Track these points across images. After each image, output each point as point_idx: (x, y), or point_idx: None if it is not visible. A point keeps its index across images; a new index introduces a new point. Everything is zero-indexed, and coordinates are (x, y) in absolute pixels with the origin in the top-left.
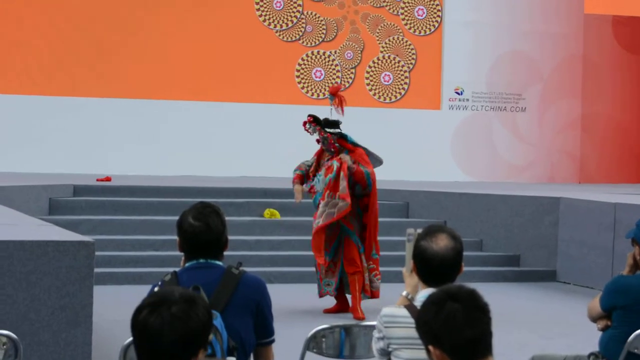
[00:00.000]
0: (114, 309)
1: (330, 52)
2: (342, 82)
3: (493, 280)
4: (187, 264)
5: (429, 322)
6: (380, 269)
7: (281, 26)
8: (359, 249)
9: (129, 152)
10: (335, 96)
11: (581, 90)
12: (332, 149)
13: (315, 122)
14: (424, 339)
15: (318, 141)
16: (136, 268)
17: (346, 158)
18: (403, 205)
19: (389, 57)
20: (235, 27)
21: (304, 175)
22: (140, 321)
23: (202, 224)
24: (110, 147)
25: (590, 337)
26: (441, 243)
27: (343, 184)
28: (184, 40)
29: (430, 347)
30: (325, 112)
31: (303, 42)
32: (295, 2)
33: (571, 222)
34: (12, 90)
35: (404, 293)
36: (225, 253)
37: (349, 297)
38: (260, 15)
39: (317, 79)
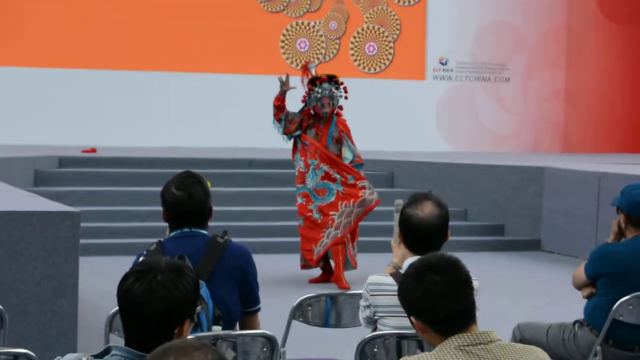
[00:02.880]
0: (100, 280)
1: (315, 22)
2: (327, 53)
3: (478, 250)
4: (171, 234)
5: (410, 294)
6: (366, 239)
7: None
8: None
9: (115, 124)
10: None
11: (565, 60)
12: (327, 112)
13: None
14: (406, 310)
15: (304, 101)
16: (122, 239)
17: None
18: (388, 175)
19: (373, 27)
20: None
21: (283, 111)
22: (126, 289)
23: (185, 194)
24: (96, 119)
25: (575, 306)
26: (426, 210)
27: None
28: (169, 10)
29: (412, 318)
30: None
31: (287, 13)
32: None
33: (555, 191)
34: None
35: (392, 263)
36: (211, 224)
37: None
38: None
39: (302, 50)
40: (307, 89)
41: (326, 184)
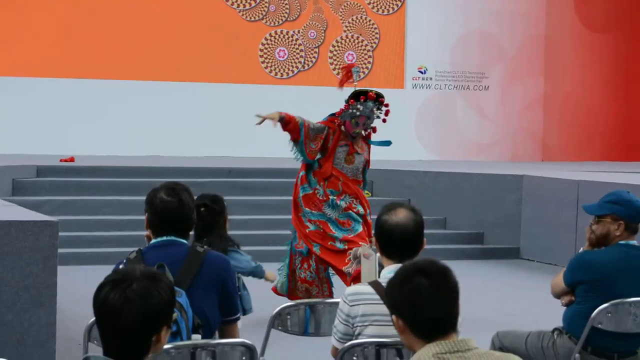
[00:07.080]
0: (79, 289)
1: (294, 31)
2: (306, 62)
3: (457, 258)
4: (152, 242)
5: (393, 292)
6: None
7: (244, 5)
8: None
9: (93, 133)
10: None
11: (544, 68)
12: (358, 133)
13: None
14: (388, 307)
15: (341, 118)
16: (100, 248)
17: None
18: (368, 184)
19: (352, 36)
20: (198, 6)
21: (299, 129)
22: (101, 298)
23: (175, 200)
24: (74, 128)
25: (554, 313)
26: (400, 215)
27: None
28: (147, 19)
29: (394, 317)
30: (298, 91)
31: (266, 22)
32: None
33: (535, 199)
34: None
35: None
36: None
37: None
38: None
39: (281, 59)
40: (346, 102)
41: (349, 214)
